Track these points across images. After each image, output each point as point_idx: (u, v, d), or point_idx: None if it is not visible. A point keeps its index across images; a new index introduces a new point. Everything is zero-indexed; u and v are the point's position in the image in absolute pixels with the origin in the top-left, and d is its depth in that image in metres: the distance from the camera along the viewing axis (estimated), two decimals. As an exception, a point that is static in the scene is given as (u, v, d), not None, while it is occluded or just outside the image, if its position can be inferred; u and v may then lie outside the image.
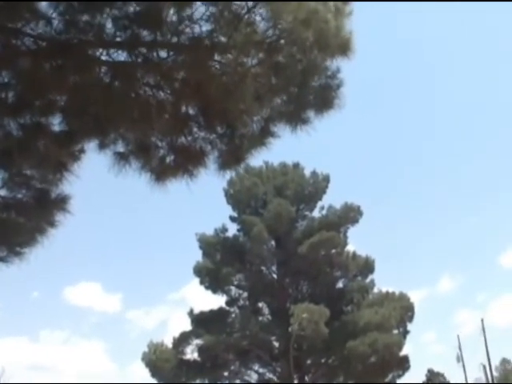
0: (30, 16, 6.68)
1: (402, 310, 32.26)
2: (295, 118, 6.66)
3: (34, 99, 7.03)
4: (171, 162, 7.16)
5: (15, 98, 6.97)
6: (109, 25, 6.48)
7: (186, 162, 7.08)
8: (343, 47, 6.17)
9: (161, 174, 7.08)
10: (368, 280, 34.93)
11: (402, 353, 31.90)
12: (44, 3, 6.45)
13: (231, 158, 7.10)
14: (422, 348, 61.98)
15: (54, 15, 6.54)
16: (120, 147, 7.06)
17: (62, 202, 7.21)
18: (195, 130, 7.02)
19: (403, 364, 32.36)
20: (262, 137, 6.88)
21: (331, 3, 5.81)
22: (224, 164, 7.20)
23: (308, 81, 6.36)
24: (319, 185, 35.13)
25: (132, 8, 6.29)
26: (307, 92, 6.46)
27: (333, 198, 35.19)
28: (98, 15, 6.47)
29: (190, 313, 33.43)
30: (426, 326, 77.83)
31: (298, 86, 6.39)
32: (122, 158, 6.99)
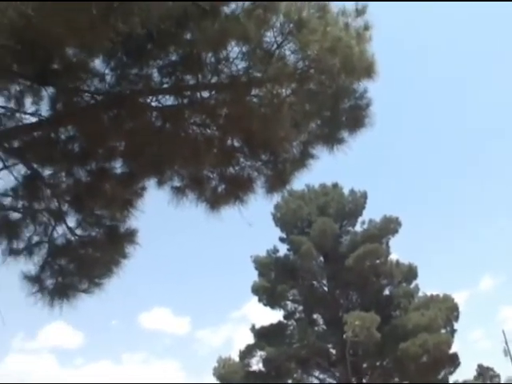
0: (86, 75, 6.83)
1: (448, 311, 31.26)
2: (331, 139, 6.57)
3: (97, 147, 7.14)
4: (223, 191, 7.13)
5: (80, 149, 7.09)
6: (155, 74, 6.56)
7: (236, 190, 7.04)
8: (368, 70, 6.07)
9: (214, 202, 7.05)
10: (413, 285, 34.07)
11: (452, 351, 30.79)
12: (96, 61, 6.58)
13: (277, 181, 7.03)
14: (470, 345, 59.72)
15: (106, 71, 6.67)
16: (176, 182, 7.07)
17: (130, 236, 7.24)
18: (241, 159, 6.99)
19: (454, 361, 31.23)
20: (303, 159, 6.80)
21: (352, 30, 5.74)
22: (271, 188, 7.13)
23: (339, 104, 6.28)
24: (358, 201, 34.70)
25: (174, 56, 6.34)
26: (339, 114, 6.38)
27: (373, 212, 34.71)
28: (145, 66, 6.56)
29: (252, 328, 33.21)
30: (472, 323, 75.02)
31: (330, 110, 6.31)
32: (179, 191, 7.00)
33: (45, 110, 6.98)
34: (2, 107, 7.14)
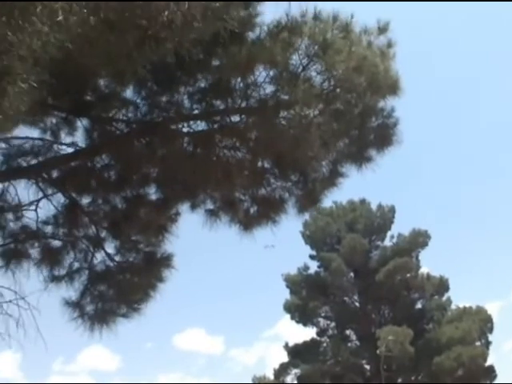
0: (119, 104, 6.94)
1: (481, 323, 30.50)
2: (359, 157, 6.53)
3: (132, 175, 7.22)
4: (255, 213, 7.12)
5: (116, 176, 7.18)
6: (185, 100, 6.62)
7: (268, 211, 7.03)
8: (393, 87, 6.04)
9: (247, 224, 7.04)
10: (445, 298, 33.39)
11: (488, 363, 29.98)
12: (128, 91, 6.68)
13: (307, 201, 7.00)
14: (507, 356, 57.93)
15: (138, 100, 6.76)
16: (209, 205, 7.09)
17: (167, 260, 7.27)
18: (272, 180, 6.98)
19: (490, 374, 30.34)
20: (332, 178, 6.77)
21: (376, 48, 5.73)
22: (302, 208, 7.10)
23: (366, 122, 6.24)
24: (386, 216, 34.30)
25: (203, 82, 6.40)
26: (367, 132, 6.34)
27: (401, 226, 34.22)
28: (176, 94, 6.63)
29: (286, 346, 32.88)
30: (507, 334, 72.97)
31: (357, 129, 6.28)
32: (212, 214, 7.02)
33: (80, 140, 7.11)
34: (40, 139, 7.29)
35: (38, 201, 6.87)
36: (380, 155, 6.43)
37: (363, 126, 6.24)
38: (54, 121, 7.31)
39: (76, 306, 6.78)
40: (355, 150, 6.49)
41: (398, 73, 6.13)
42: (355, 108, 6.00)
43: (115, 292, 7.00)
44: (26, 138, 7.17)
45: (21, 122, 7.05)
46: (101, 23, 3.08)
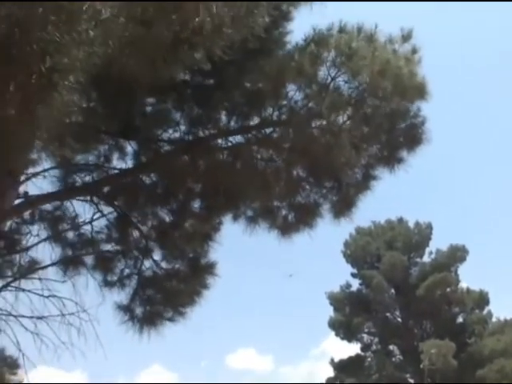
0: (164, 125, 7.04)
1: (523, 334, 29.01)
2: (391, 159, 6.37)
3: (177, 189, 7.26)
4: (293, 219, 7.01)
5: (163, 191, 7.24)
6: (223, 117, 6.66)
7: (304, 217, 6.92)
8: (420, 91, 5.89)
9: (285, 229, 6.94)
10: (485, 311, 32.00)
11: (532, 374, 28.34)
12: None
13: (343, 206, 6.84)
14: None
15: (180, 120, 6.84)
16: (250, 212, 7.03)
17: (210, 268, 7.22)
18: (308, 187, 6.88)
19: (534, 385, 28.68)
20: (366, 182, 6.61)
21: (401, 54, 5.62)
22: (338, 213, 6.94)
23: (395, 125, 6.09)
24: (424, 232, 33.42)
25: (238, 97, 6.42)
26: (396, 134, 6.18)
27: (439, 241, 33.23)
28: (213, 112, 6.68)
29: (332, 362, 32.08)
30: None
31: (387, 131, 6.13)
32: (251, 221, 6.94)
33: (129, 159, 7.23)
34: (95, 165, 7.43)
35: (93, 215, 6.99)
36: (411, 155, 6.25)
37: (392, 129, 6.09)
38: (106, 147, 7.45)
39: (127, 309, 6.79)
40: (386, 152, 6.33)
41: (425, 77, 5.98)
42: (383, 111, 5.87)
43: (162, 296, 6.99)
44: (83, 164, 7.36)
45: (77, 151, 7.29)
46: (136, 25, 3.11)
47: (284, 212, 7.03)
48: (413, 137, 6.11)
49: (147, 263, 7.04)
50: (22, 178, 6.56)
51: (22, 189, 6.61)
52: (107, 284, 6.84)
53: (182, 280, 7.03)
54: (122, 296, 6.91)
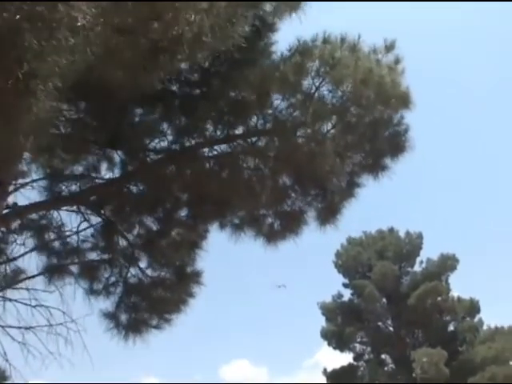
0: (150, 135, 7.04)
1: (515, 342, 29.01)
2: (375, 167, 6.39)
3: (164, 198, 7.25)
4: (278, 226, 7.01)
5: (150, 200, 7.21)
6: (209, 126, 6.65)
7: (290, 224, 6.92)
8: (404, 100, 5.93)
9: (271, 237, 6.93)
10: (476, 319, 32.00)
11: (523, 382, 28.34)
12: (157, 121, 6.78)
13: (328, 213, 6.85)
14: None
15: (167, 130, 6.85)
16: (236, 220, 7.02)
17: (196, 276, 7.20)
18: (293, 195, 6.89)
19: (526, 392, 28.66)
20: (350, 189, 6.64)
21: (384, 64, 5.66)
22: (324, 220, 6.94)
23: (378, 133, 6.12)
24: (414, 242, 33.46)
25: (224, 108, 6.43)
26: (380, 142, 6.21)
27: (430, 251, 33.29)
28: (199, 122, 6.68)
29: (324, 371, 31.95)
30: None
31: (371, 139, 6.16)
32: (238, 228, 6.94)
33: (117, 169, 7.21)
34: (80, 174, 7.41)
35: (79, 224, 6.96)
36: (394, 162, 6.28)
37: (376, 137, 6.12)
38: (95, 158, 7.44)
39: (112, 316, 6.74)
40: (370, 160, 6.36)
41: (408, 87, 6.02)
42: (366, 119, 5.90)
43: (148, 304, 6.94)
44: (71, 175, 7.34)
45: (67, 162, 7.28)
46: (113, 32, 3.12)
47: (270, 220, 7.04)
48: (396, 144, 6.15)
49: (133, 271, 7.01)
50: (11, 188, 6.55)
51: (10, 199, 6.59)
52: (93, 292, 6.79)
53: (168, 288, 7.00)
54: (107, 304, 6.88)
